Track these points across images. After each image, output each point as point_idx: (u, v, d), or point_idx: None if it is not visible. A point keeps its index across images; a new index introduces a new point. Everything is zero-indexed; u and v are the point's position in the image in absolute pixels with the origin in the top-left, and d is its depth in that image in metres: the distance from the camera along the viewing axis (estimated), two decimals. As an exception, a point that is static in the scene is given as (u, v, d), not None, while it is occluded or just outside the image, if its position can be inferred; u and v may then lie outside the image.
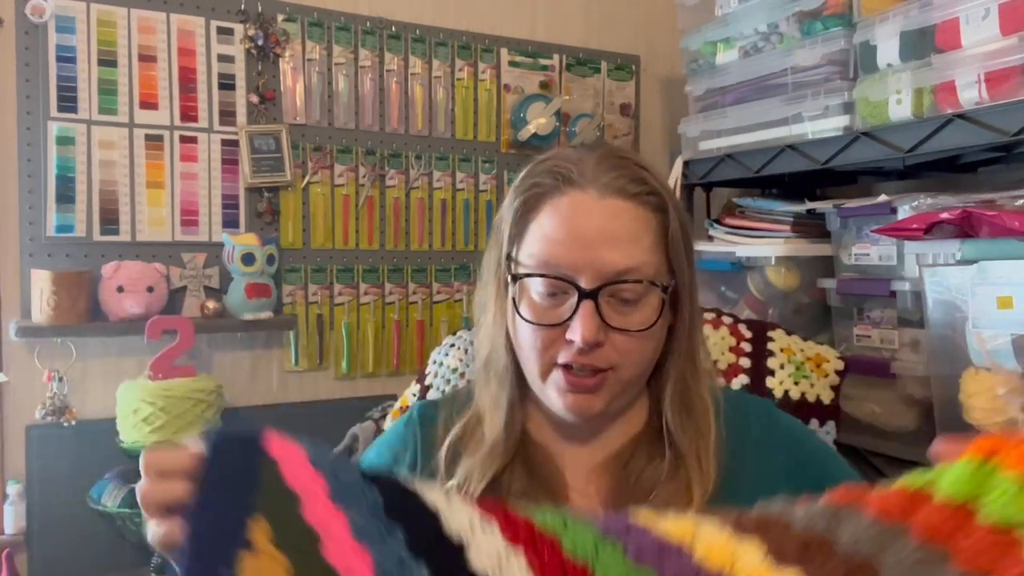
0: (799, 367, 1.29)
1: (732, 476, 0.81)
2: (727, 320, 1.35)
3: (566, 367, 0.78)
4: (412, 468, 0.87)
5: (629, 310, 0.78)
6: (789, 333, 1.35)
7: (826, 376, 1.29)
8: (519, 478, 0.82)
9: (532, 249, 0.79)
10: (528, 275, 0.79)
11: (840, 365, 1.31)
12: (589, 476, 0.84)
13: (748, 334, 1.32)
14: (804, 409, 1.27)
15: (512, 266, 0.82)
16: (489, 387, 0.86)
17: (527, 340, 0.80)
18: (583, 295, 0.76)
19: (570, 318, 0.76)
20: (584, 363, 0.77)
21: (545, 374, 0.80)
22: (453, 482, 0.83)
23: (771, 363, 1.29)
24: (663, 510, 0.72)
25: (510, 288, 0.81)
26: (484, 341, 0.87)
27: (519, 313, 0.80)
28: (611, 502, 0.82)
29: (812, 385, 1.28)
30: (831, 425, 1.28)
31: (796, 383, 1.27)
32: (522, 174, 0.84)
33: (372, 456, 0.93)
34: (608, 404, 0.80)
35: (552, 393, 0.80)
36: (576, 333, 0.75)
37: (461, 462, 0.84)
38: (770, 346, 1.31)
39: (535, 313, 0.79)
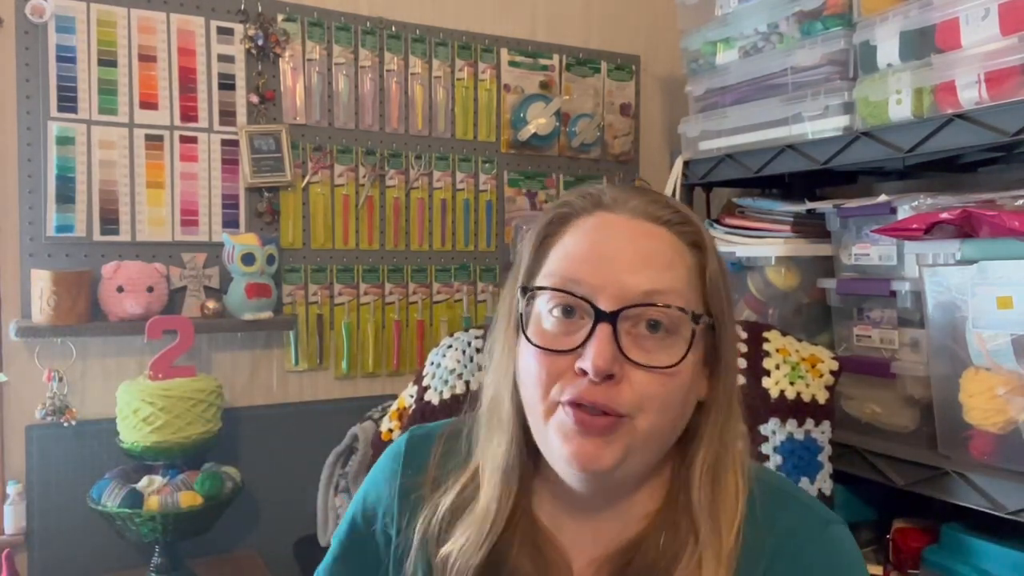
0: (794, 367, 1.29)
1: None
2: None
3: (574, 404, 0.66)
4: (389, 508, 0.80)
5: (653, 345, 0.67)
6: (784, 334, 1.36)
7: (821, 376, 1.30)
8: (523, 561, 0.72)
9: (551, 268, 0.71)
10: (539, 288, 0.70)
11: (835, 365, 1.32)
12: (594, 563, 0.74)
13: (744, 335, 1.33)
14: (800, 409, 1.27)
15: (522, 290, 0.72)
16: (491, 439, 0.75)
17: (531, 371, 0.69)
18: (600, 317, 0.66)
19: (583, 344, 0.66)
20: (595, 401, 0.65)
21: (549, 413, 0.68)
22: (447, 548, 0.73)
23: (767, 363, 1.29)
24: None
25: (520, 311, 0.71)
26: (490, 384, 0.76)
27: (525, 335, 0.69)
28: None
29: (807, 385, 1.28)
30: (826, 425, 1.29)
31: (791, 383, 1.28)
32: (553, 204, 0.76)
33: (360, 497, 0.85)
34: (620, 460, 0.67)
35: (555, 439, 0.68)
36: (588, 360, 0.65)
37: (455, 529, 0.74)
38: (766, 347, 1.31)
39: (544, 338, 0.69)
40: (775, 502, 0.74)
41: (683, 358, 0.67)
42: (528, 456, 0.74)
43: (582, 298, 0.67)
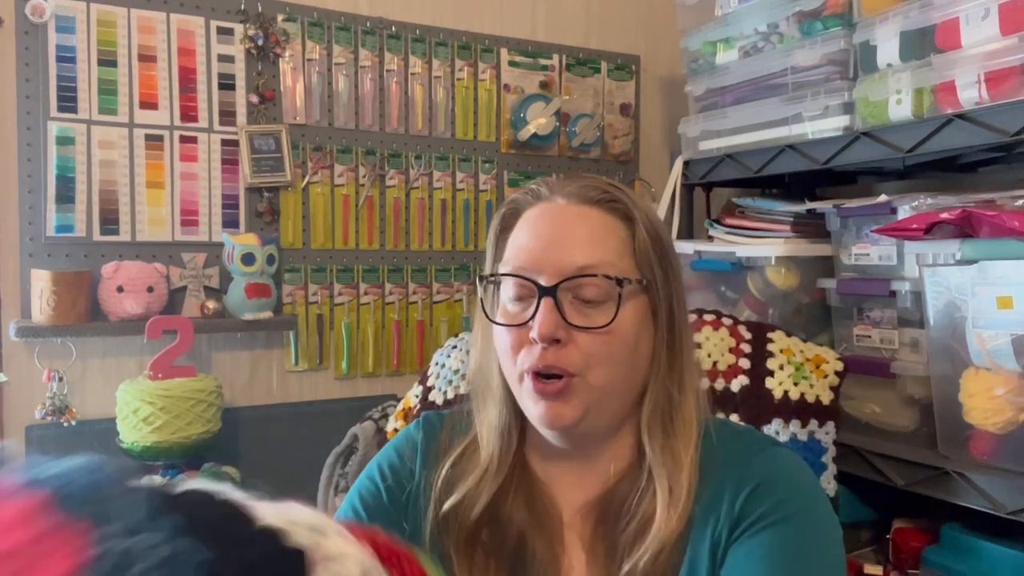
0: (799, 368, 1.29)
1: (700, 520, 0.78)
2: (727, 321, 1.36)
3: (535, 373, 0.78)
4: (412, 473, 0.88)
5: (591, 310, 0.78)
6: (789, 334, 1.36)
7: (825, 377, 1.30)
8: (519, 508, 0.82)
9: (506, 257, 0.82)
10: (492, 275, 0.83)
11: (839, 366, 1.31)
12: (579, 511, 0.84)
13: (748, 335, 1.32)
14: (804, 410, 1.27)
15: (480, 279, 0.85)
16: (486, 409, 0.86)
17: (500, 346, 0.81)
18: (542, 292, 0.77)
19: (532, 318, 0.78)
20: (548, 364, 0.77)
21: (519, 381, 0.80)
22: (451, 501, 0.83)
23: (771, 364, 1.29)
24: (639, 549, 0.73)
25: (481, 297, 0.85)
26: (475, 360, 0.89)
27: (487, 316, 0.82)
28: (597, 539, 0.81)
29: (812, 386, 1.28)
30: (831, 426, 1.28)
31: (796, 384, 1.27)
32: (505, 202, 0.88)
33: (380, 457, 0.93)
34: (582, 414, 0.78)
35: (528, 403, 0.80)
36: (535, 329, 0.76)
37: (458, 485, 0.84)
38: (770, 347, 1.31)
39: (505, 316, 0.81)
40: (729, 432, 0.85)
41: (614, 317, 0.77)
42: (518, 416, 0.85)
43: (526, 278, 0.79)
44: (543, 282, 0.78)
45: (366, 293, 2.07)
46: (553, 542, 0.82)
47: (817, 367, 1.30)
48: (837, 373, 1.31)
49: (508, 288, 0.81)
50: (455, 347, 1.42)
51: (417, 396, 1.42)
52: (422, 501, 0.86)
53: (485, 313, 0.83)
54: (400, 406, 1.46)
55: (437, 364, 1.43)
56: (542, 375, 0.78)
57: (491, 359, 0.85)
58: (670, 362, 0.82)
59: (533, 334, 0.77)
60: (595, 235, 0.80)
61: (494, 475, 0.82)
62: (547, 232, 0.80)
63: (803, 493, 0.80)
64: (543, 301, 0.77)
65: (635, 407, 0.83)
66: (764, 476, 0.79)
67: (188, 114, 1.86)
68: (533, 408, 0.79)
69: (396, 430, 1.43)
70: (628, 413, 0.84)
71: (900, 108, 1.45)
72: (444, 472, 0.85)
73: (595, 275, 0.78)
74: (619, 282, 0.78)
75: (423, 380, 1.43)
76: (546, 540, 0.82)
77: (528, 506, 0.82)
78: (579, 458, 0.84)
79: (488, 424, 0.85)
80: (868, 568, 1.50)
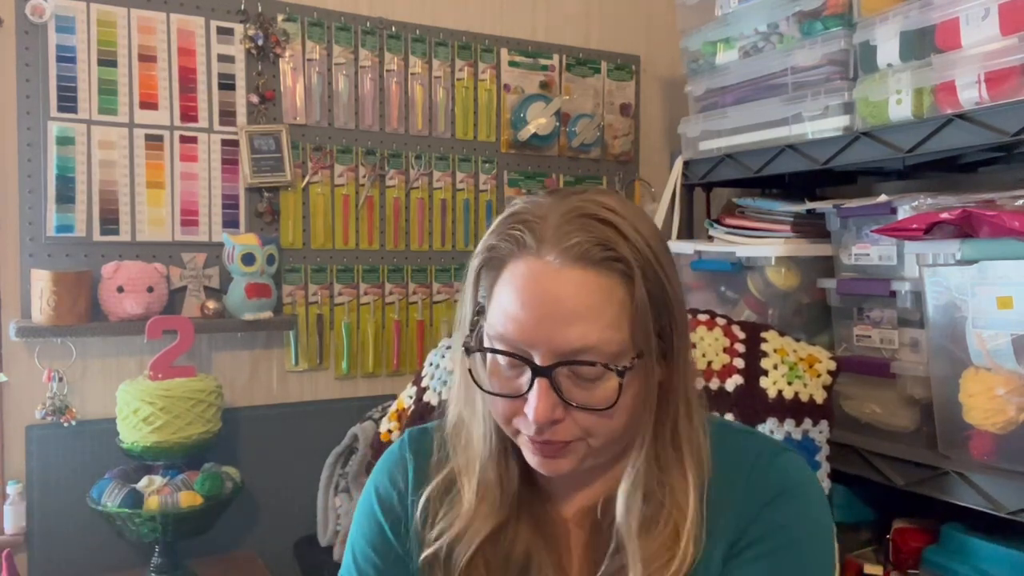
0: (792, 367, 1.29)
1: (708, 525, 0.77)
2: (721, 321, 1.36)
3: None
4: (404, 492, 0.86)
5: (591, 386, 0.72)
6: (782, 334, 1.36)
7: (819, 376, 1.30)
8: (524, 528, 0.80)
9: (492, 319, 0.75)
10: (482, 350, 0.76)
11: (832, 365, 1.32)
12: (581, 511, 0.83)
13: (741, 335, 1.33)
14: (798, 409, 1.27)
15: (476, 333, 0.78)
16: (465, 452, 0.82)
17: (493, 407, 0.77)
18: (536, 372, 0.71)
19: (528, 391, 0.72)
20: (544, 441, 0.74)
21: (515, 436, 0.77)
22: (443, 539, 0.79)
23: (764, 363, 1.29)
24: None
25: (469, 368, 0.79)
26: (453, 404, 0.84)
27: (478, 385, 0.77)
28: (596, 540, 0.80)
29: (805, 385, 1.28)
30: (824, 425, 1.29)
31: (789, 383, 1.28)
32: (488, 230, 0.79)
33: (370, 485, 0.89)
34: (578, 466, 0.76)
35: (526, 453, 0.77)
36: (531, 411, 0.72)
37: (442, 517, 0.81)
38: (763, 347, 1.31)
39: (498, 382, 0.76)
40: (734, 437, 0.83)
41: (615, 402, 0.72)
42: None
43: (519, 356, 0.73)
44: (537, 360, 0.71)
45: (366, 293, 2.07)
46: (559, 553, 0.81)
47: (810, 366, 1.30)
48: (830, 372, 1.31)
49: (494, 360, 0.76)
50: (449, 347, 1.42)
51: (411, 397, 1.42)
52: (416, 528, 0.83)
53: (477, 384, 0.77)
54: (394, 406, 1.46)
55: (431, 365, 1.42)
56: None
57: (473, 408, 0.81)
58: (683, 391, 0.78)
59: (528, 413, 0.72)
60: (592, 306, 0.71)
61: (498, 506, 0.79)
62: (537, 302, 0.71)
63: (809, 517, 0.79)
64: (537, 381, 0.71)
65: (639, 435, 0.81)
66: (775, 489, 0.78)
67: (188, 114, 1.86)
68: (530, 457, 0.77)
69: (390, 431, 1.43)
70: (635, 440, 0.80)
71: (900, 108, 1.45)
72: (430, 499, 0.82)
73: (594, 363, 0.71)
74: (620, 373, 0.72)
75: (417, 381, 1.43)
76: (552, 552, 0.81)
77: (535, 524, 0.81)
78: (579, 480, 0.83)
79: (467, 467, 0.81)
80: (868, 568, 1.50)
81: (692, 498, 0.76)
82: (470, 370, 0.78)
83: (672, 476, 0.77)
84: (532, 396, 0.72)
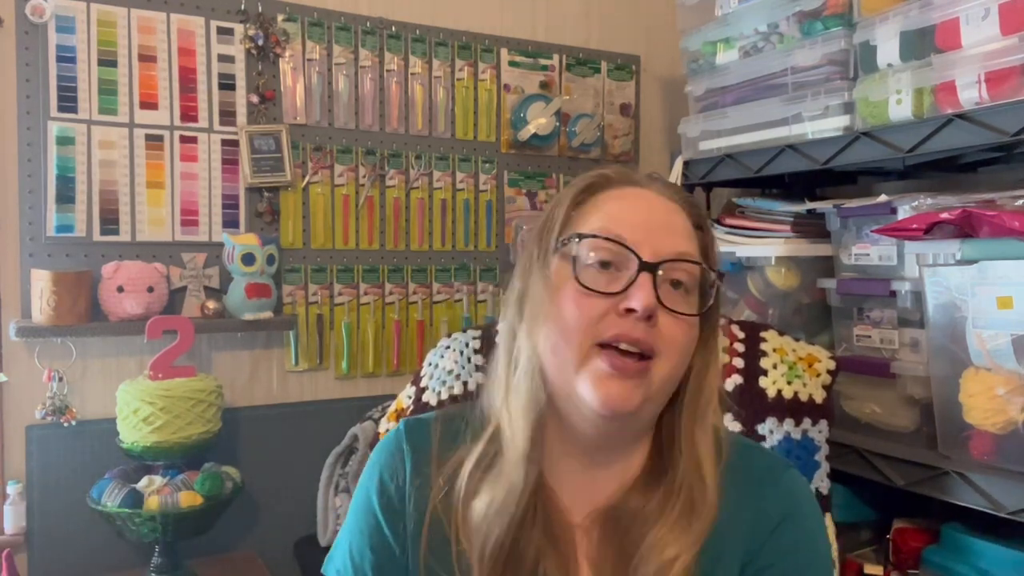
0: (791, 367, 1.29)
1: (715, 536, 0.78)
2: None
3: (611, 348, 0.74)
4: (402, 486, 0.84)
5: (678, 298, 0.77)
6: (781, 333, 1.36)
7: (818, 376, 1.30)
8: (536, 528, 0.78)
9: (593, 224, 0.79)
10: (592, 236, 0.78)
11: (832, 365, 1.32)
12: (587, 517, 0.82)
13: (741, 335, 1.33)
14: (797, 409, 1.27)
15: (570, 237, 0.79)
16: (520, 397, 0.79)
17: (571, 316, 0.76)
18: (643, 267, 0.75)
19: (625, 290, 0.75)
20: (637, 337, 0.74)
21: (585, 359, 0.75)
22: (477, 509, 0.78)
23: (764, 363, 1.29)
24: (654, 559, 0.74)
25: (559, 259, 0.79)
26: (524, 345, 0.80)
27: (575, 277, 0.76)
28: (606, 549, 0.80)
29: (804, 385, 1.28)
30: (823, 424, 1.29)
31: (789, 383, 1.28)
32: (582, 175, 0.85)
33: (366, 479, 0.88)
34: (643, 402, 0.76)
35: (586, 385, 0.75)
36: (636, 300, 0.74)
37: (484, 487, 0.79)
38: (763, 346, 1.31)
39: (589, 281, 0.76)
40: (743, 451, 0.86)
41: (704, 308, 0.79)
42: (544, 409, 0.80)
43: (629, 248, 0.76)
44: (645, 257, 0.76)
45: (366, 293, 2.07)
46: (566, 557, 0.80)
47: (810, 366, 1.30)
48: (829, 372, 1.31)
49: (593, 255, 0.77)
50: (448, 347, 1.42)
51: (410, 397, 1.42)
52: (412, 522, 0.82)
53: (575, 276, 0.77)
54: (393, 407, 1.46)
55: (430, 365, 1.42)
56: (621, 352, 0.75)
57: (535, 345, 0.79)
58: (708, 375, 0.82)
59: (631, 304, 0.74)
60: (688, 230, 0.81)
61: (524, 476, 0.77)
62: (644, 212, 0.80)
63: (813, 539, 0.84)
64: (643, 275, 0.75)
65: (655, 421, 0.83)
66: (780, 514, 0.82)
67: (188, 114, 1.86)
68: (594, 391, 0.74)
69: (389, 431, 1.42)
70: (650, 425, 0.83)
71: (900, 108, 1.45)
72: (464, 474, 0.81)
73: (698, 263, 0.78)
74: (720, 275, 0.80)
75: (416, 381, 1.42)
76: (558, 554, 0.80)
77: (544, 523, 0.79)
78: (593, 464, 0.82)
79: (521, 410, 0.79)
80: (868, 568, 1.50)
81: (709, 482, 0.78)
82: (574, 257, 0.78)
83: (694, 448, 0.80)
84: (637, 287, 0.75)
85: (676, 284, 0.77)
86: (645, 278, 0.75)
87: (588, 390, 0.75)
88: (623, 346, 0.75)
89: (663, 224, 0.79)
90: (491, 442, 0.82)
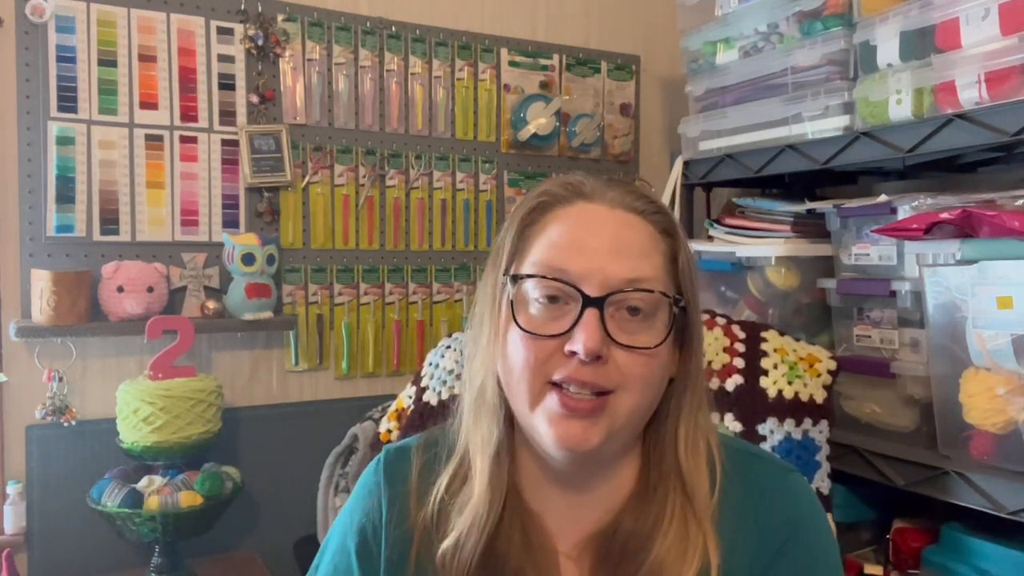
0: (792, 367, 1.29)
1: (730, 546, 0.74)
2: (720, 321, 1.36)
3: (562, 389, 0.71)
4: (378, 528, 0.81)
5: (635, 327, 0.72)
6: (782, 334, 1.36)
7: (819, 376, 1.30)
8: (514, 545, 0.75)
9: (536, 257, 0.74)
10: (529, 276, 0.73)
11: (832, 365, 1.32)
12: (577, 545, 0.78)
13: (742, 335, 1.33)
14: (798, 409, 1.27)
15: (511, 278, 0.75)
16: (480, 424, 0.78)
17: (519, 357, 0.72)
18: (587, 303, 0.70)
19: (571, 329, 0.70)
20: (584, 380, 0.70)
21: (537, 398, 0.72)
22: (447, 542, 0.75)
23: (764, 363, 1.29)
24: None
25: (506, 297, 0.75)
26: (478, 370, 0.79)
27: (516, 321, 0.72)
28: (600, 573, 0.76)
29: (805, 385, 1.28)
30: (824, 424, 1.29)
31: (790, 383, 1.28)
32: (529, 194, 0.79)
33: (344, 515, 0.85)
34: (604, 439, 0.71)
35: (542, 424, 0.72)
36: (578, 342, 0.69)
37: (452, 523, 0.76)
38: (763, 346, 1.32)
39: (532, 323, 0.72)
40: (742, 460, 0.81)
41: (664, 339, 0.73)
42: (511, 438, 0.78)
43: (571, 285, 0.71)
44: (589, 291, 0.70)
45: (366, 293, 2.07)
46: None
47: (810, 366, 1.31)
48: (830, 372, 1.31)
49: (537, 291, 0.73)
50: (448, 347, 1.42)
51: (411, 397, 1.42)
52: (395, 554, 0.79)
53: (514, 319, 0.73)
54: (393, 406, 1.46)
55: (431, 365, 1.42)
56: (572, 392, 0.71)
57: (494, 370, 0.76)
58: (696, 385, 0.78)
59: (574, 347, 0.69)
60: (643, 247, 0.74)
61: (492, 505, 0.75)
62: (591, 236, 0.72)
63: (823, 551, 0.80)
64: (588, 312, 0.70)
65: (641, 435, 0.79)
66: (788, 527, 0.78)
67: (188, 114, 1.86)
68: (549, 430, 0.71)
69: (389, 431, 1.43)
70: (634, 442, 0.79)
71: (900, 108, 1.45)
72: (432, 506, 0.78)
73: (651, 291, 0.72)
74: (676, 301, 0.73)
75: (416, 381, 1.43)
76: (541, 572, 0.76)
77: (523, 542, 0.76)
78: (574, 489, 0.78)
79: (483, 444, 0.77)
80: (868, 568, 1.50)
81: (702, 501, 0.75)
82: (511, 302, 0.74)
83: (687, 466, 0.76)
84: (580, 327, 0.70)
85: (634, 310, 0.72)
86: (591, 315, 0.70)
87: (544, 428, 0.72)
88: (572, 389, 0.71)
89: (612, 247, 0.72)
90: (461, 464, 0.80)
